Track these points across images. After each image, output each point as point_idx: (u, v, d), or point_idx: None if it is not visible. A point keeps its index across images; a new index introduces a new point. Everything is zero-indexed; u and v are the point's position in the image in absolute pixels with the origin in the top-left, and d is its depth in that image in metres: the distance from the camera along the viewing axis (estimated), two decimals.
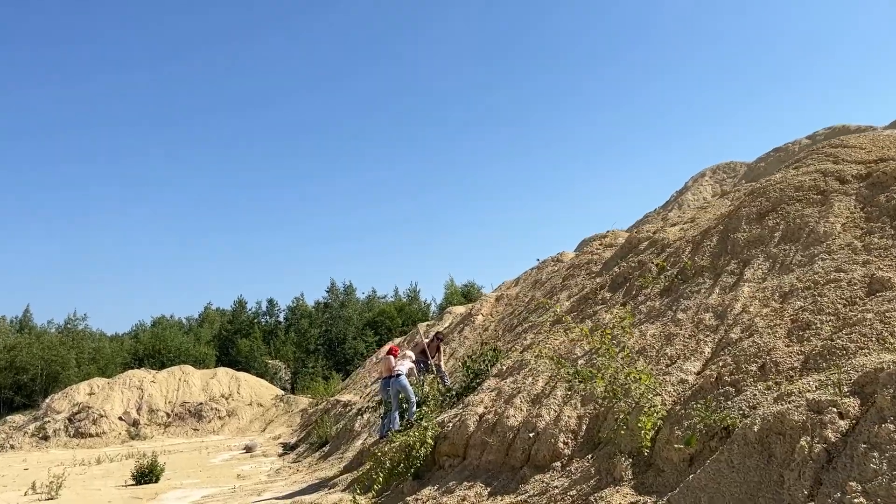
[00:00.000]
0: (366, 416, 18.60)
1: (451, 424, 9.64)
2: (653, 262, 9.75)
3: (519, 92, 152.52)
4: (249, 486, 16.17)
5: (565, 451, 7.34)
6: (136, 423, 36.55)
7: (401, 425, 13.11)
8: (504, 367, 10.78)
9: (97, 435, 35.47)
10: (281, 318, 65.75)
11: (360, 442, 17.11)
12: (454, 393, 11.75)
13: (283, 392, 43.33)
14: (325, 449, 20.32)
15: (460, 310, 29.24)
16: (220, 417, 38.92)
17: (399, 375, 13.11)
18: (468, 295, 52.77)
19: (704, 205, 12.69)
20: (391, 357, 13.83)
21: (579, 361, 8.67)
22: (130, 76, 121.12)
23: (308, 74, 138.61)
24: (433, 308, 58.56)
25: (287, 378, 52.55)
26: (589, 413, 7.53)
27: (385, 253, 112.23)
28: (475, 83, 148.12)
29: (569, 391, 8.06)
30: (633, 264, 11.08)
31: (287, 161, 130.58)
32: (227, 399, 40.10)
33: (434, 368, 13.94)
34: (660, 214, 25.77)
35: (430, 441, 9.44)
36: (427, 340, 14.69)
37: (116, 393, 38.30)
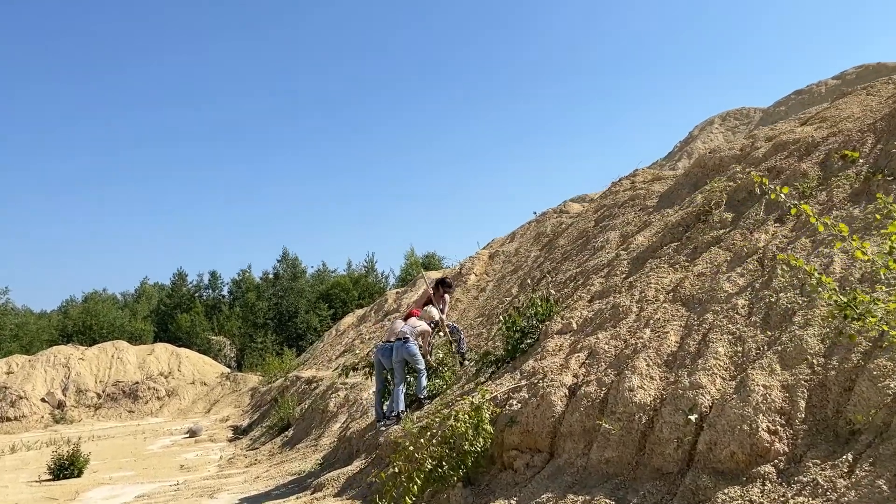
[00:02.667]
0: (342, 394, 15.25)
1: (515, 402, 6.42)
2: (836, 155, 6.64)
3: (474, 50, 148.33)
4: (197, 482, 12.71)
5: (775, 444, 4.23)
6: (61, 405, 32.29)
7: (403, 407, 9.88)
8: (572, 320, 7.59)
9: (16, 419, 31.09)
10: (225, 292, 61.35)
11: (339, 425, 13.78)
12: (491, 358, 8.52)
13: (228, 370, 39.45)
14: (289, 434, 16.90)
15: (435, 274, 25.99)
16: (158, 398, 34.80)
17: (406, 340, 9.83)
18: (428, 266, 49.49)
19: (827, 105, 9.69)
20: (400, 320, 10.53)
21: (739, 301, 5.53)
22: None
23: (258, 41, 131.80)
24: (391, 280, 55.05)
25: (233, 355, 48.50)
26: (804, 380, 4.41)
27: (335, 226, 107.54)
28: (429, 41, 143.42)
29: (738, 348, 4.95)
30: (738, 181, 7.98)
31: (232, 131, 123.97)
32: (166, 377, 35.97)
33: (446, 327, 10.70)
34: (664, 166, 22.74)
35: (487, 427, 6.20)
36: (429, 289, 11.42)
37: (39, 371, 33.87)
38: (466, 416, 6.25)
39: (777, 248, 5.87)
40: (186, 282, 60.52)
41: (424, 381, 9.83)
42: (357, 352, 20.48)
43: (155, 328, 54.30)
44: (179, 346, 40.59)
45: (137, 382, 34.96)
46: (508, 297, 13.11)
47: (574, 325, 7.55)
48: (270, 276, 52.79)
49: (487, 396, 6.59)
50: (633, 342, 5.97)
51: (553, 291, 8.72)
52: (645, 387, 5.28)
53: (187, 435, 22.26)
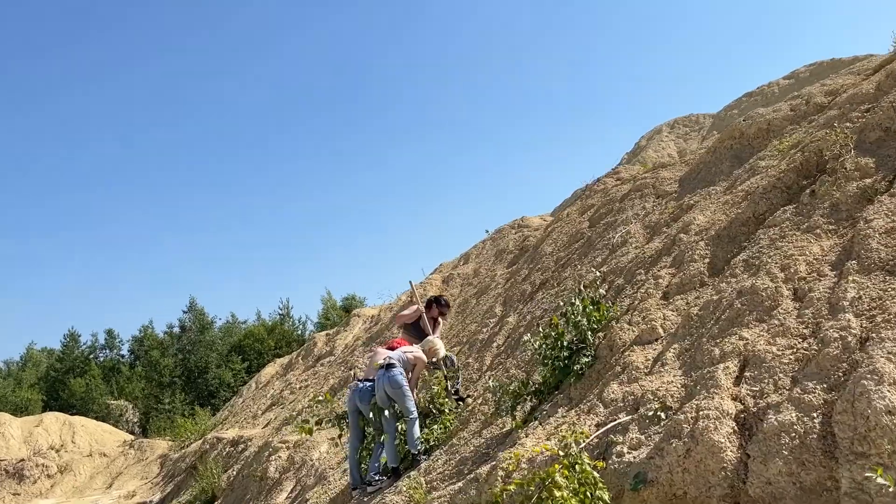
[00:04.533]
0: (283, 455, 12.35)
1: (627, 449, 4.04)
2: None
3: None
4: None
5: None
6: None
7: (397, 461, 7.31)
8: (655, 324, 5.33)
9: None
10: (125, 352, 55.90)
11: (286, 496, 10.91)
12: (530, 389, 6.09)
13: (132, 436, 35.04)
14: None
15: (371, 311, 23.35)
16: (48, 475, 29.93)
17: (391, 367, 7.31)
18: (349, 308, 46.45)
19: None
20: (382, 349, 7.99)
21: None
22: None
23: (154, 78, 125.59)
24: (309, 326, 51.43)
25: (136, 420, 43.54)
26: None
27: (240, 275, 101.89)
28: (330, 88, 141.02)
29: None
30: (857, 122, 6.01)
31: (120, 176, 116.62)
32: (57, 451, 31.19)
33: (444, 360, 8.19)
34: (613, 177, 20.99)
35: (603, 496, 3.77)
36: (420, 306, 8.90)
37: None
38: (561, 477, 3.80)
39: None
40: (79, 343, 54.75)
41: (417, 430, 7.28)
42: (293, 404, 17.54)
43: (44, 397, 48.50)
44: (73, 414, 35.84)
45: (23, 460, 30.02)
46: (492, 319, 10.75)
47: (660, 330, 5.30)
48: (176, 329, 48.23)
49: (581, 441, 4.17)
50: (837, 335, 3.74)
51: (602, 291, 6.43)
52: None
53: None
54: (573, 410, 5.18)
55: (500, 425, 6.38)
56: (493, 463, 5.08)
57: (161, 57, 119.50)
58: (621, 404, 4.62)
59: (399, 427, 7.28)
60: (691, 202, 7.94)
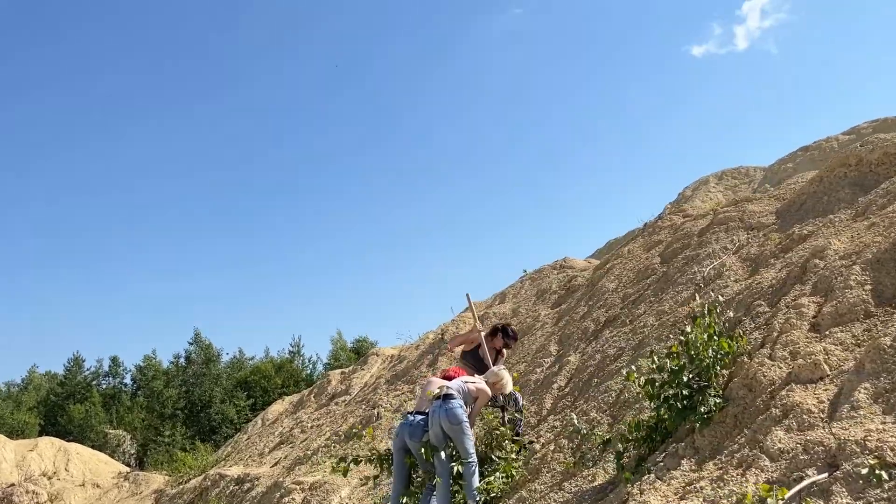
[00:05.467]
0: (297, 498, 11.09)
1: None
2: None
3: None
4: None
5: None
6: None
7: None
8: (817, 358, 4.21)
9: None
10: (127, 380, 54.54)
11: None
12: (638, 435, 4.91)
13: (128, 468, 33.50)
14: None
15: (391, 351, 22.12)
16: None
17: (449, 398, 6.16)
18: (359, 351, 45.13)
19: None
20: (436, 378, 6.87)
21: None
22: None
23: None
24: (319, 366, 49.98)
25: (133, 451, 42.00)
26: None
27: (250, 312, 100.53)
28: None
29: None
30: None
31: (136, 202, 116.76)
32: (49, 479, 29.73)
33: (510, 398, 7.00)
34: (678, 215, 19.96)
35: None
36: (484, 332, 7.68)
37: None
38: None
39: None
40: (83, 368, 53.47)
41: (476, 478, 6.07)
42: (305, 443, 16.25)
43: (41, 421, 47.09)
44: (70, 440, 34.39)
45: (13, 485, 28.56)
46: (546, 358, 9.58)
47: (825, 367, 4.16)
48: (181, 360, 46.90)
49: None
50: None
51: (735, 318, 5.28)
52: None
53: None
54: (711, 463, 4.02)
55: (589, 477, 5.19)
56: None
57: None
58: (803, 458, 3.49)
59: (454, 470, 6.07)
60: (804, 232, 6.86)
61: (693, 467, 4.19)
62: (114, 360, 54.56)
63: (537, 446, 6.53)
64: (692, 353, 4.80)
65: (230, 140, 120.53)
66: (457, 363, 7.57)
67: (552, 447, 6.20)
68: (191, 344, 46.67)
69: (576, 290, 12.66)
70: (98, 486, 29.83)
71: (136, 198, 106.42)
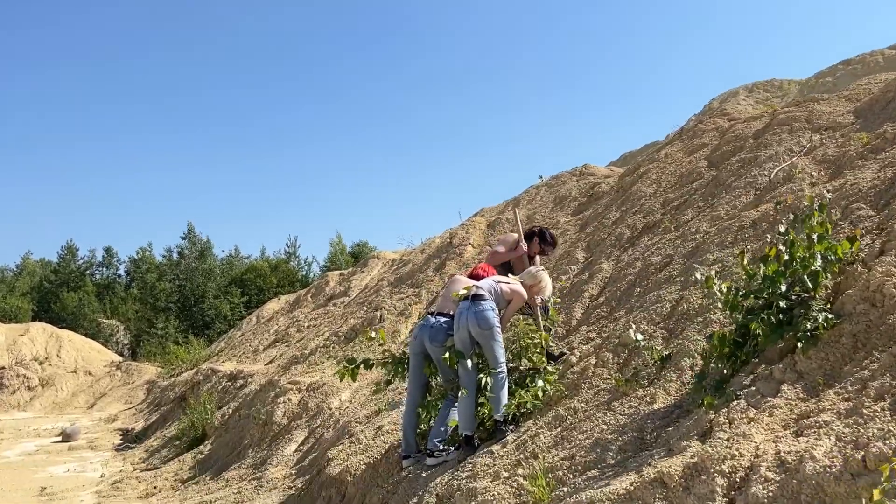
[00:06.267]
0: (294, 399, 10.45)
1: None
2: None
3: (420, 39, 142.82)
4: None
5: None
6: None
7: (472, 427, 5.34)
8: None
9: None
10: (121, 272, 54.04)
11: (296, 448, 9.01)
12: (721, 353, 4.06)
13: (120, 358, 33.36)
14: (205, 449, 11.91)
15: (392, 255, 21.34)
16: (29, 387, 28.24)
17: (479, 299, 5.31)
18: (358, 255, 44.41)
19: None
20: (462, 276, 6.00)
21: None
22: None
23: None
24: (315, 268, 49.43)
25: (126, 342, 41.90)
26: None
27: (247, 211, 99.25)
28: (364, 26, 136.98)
29: None
30: None
31: (140, 95, 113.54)
32: (41, 364, 29.49)
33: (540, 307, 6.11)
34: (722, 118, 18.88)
35: None
36: (522, 238, 6.76)
37: None
38: None
39: None
40: (76, 257, 52.88)
41: (505, 392, 5.28)
42: (302, 343, 15.64)
43: (34, 307, 46.85)
44: (63, 327, 33.99)
45: (4, 368, 28.38)
46: (573, 266, 8.72)
47: None
48: (175, 255, 46.21)
49: None
50: None
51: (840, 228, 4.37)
52: None
53: (59, 438, 16.70)
54: (832, 392, 3.19)
55: (647, 398, 4.38)
56: (694, 460, 3.11)
57: None
58: None
59: (482, 382, 5.26)
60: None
61: (801, 395, 3.37)
62: (107, 250, 53.98)
63: (574, 358, 5.71)
64: (797, 256, 3.87)
65: (234, 30, 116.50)
66: (484, 261, 6.66)
67: (593, 360, 5.38)
68: (183, 238, 45.92)
69: (600, 197, 11.73)
70: (90, 374, 29.65)
71: (133, 76, 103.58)
